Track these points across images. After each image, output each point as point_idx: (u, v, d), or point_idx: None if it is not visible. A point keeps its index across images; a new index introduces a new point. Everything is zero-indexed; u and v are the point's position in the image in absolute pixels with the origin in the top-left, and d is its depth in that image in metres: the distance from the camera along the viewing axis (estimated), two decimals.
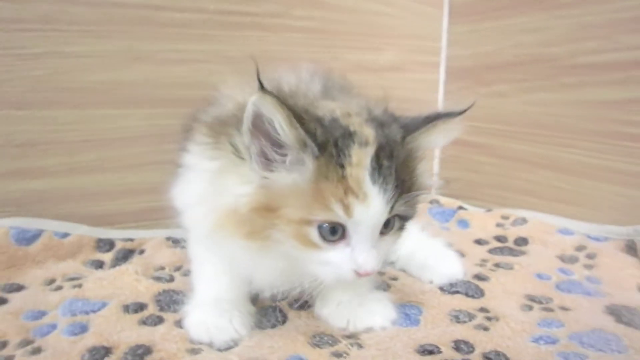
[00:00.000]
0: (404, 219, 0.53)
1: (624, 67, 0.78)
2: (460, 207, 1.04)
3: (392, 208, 0.48)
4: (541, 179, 0.93)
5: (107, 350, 0.53)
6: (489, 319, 0.60)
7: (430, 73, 1.18)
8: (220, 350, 0.54)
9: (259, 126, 0.46)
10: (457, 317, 0.61)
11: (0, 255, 0.74)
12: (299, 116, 0.45)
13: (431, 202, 1.08)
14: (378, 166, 0.47)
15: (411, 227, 0.60)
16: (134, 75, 0.90)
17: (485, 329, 0.58)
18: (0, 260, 0.73)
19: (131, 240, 0.87)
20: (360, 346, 0.55)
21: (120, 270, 0.74)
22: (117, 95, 0.89)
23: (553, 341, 0.54)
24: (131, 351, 0.53)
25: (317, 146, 0.46)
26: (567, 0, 0.86)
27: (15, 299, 0.66)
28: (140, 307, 0.64)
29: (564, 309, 0.62)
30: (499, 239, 0.88)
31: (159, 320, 0.61)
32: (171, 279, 0.73)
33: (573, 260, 0.77)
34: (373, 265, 0.49)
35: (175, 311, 0.63)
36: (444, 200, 1.08)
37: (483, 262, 0.79)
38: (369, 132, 0.49)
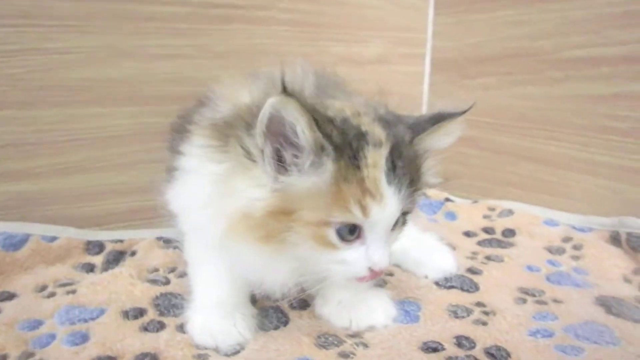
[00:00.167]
0: (406, 213, 0.54)
1: (611, 62, 0.79)
2: (447, 199, 1.06)
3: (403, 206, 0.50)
4: (526, 171, 0.96)
5: None
6: (486, 313, 0.62)
7: (415, 65, 1.19)
8: (227, 355, 0.54)
9: (276, 129, 0.45)
10: (455, 313, 0.63)
11: None
12: (316, 119, 0.45)
13: None
14: (392, 167, 0.48)
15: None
16: (118, 71, 0.87)
17: (484, 323, 0.60)
18: None
19: (121, 241, 0.85)
20: (365, 346, 0.56)
21: (114, 274, 0.72)
22: (102, 93, 0.86)
23: (549, 334, 0.56)
24: None
25: (334, 148, 0.46)
26: None
27: (7, 308, 0.64)
28: (139, 312, 0.63)
29: (556, 301, 0.64)
30: (487, 230, 0.91)
31: (161, 326, 0.60)
32: (167, 282, 0.72)
33: (560, 251, 0.80)
34: (387, 262, 0.50)
35: (175, 315, 0.63)
36: (431, 192, 1.09)
37: (474, 255, 0.81)
38: (379, 132, 0.49)
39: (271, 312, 0.64)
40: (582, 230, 0.83)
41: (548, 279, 0.71)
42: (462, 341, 0.56)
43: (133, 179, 0.91)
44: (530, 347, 0.54)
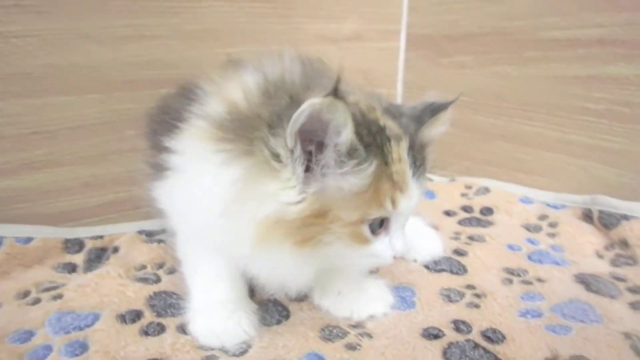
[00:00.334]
0: None
1: (587, 44, 0.81)
2: None
3: None
4: (502, 150, 0.99)
5: None
6: (477, 296, 0.65)
7: (390, 41, 1.17)
8: (235, 355, 0.55)
9: (310, 130, 0.44)
10: (449, 297, 0.65)
11: None
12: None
13: None
14: (413, 159, 0.50)
15: None
16: (83, 56, 0.80)
17: (477, 306, 0.63)
18: None
19: (101, 237, 0.82)
20: (369, 336, 0.57)
21: (100, 274, 0.70)
22: (65, 80, 0.80)
23: (539, 314, 0.60)
24: None
25: (365, 148, 0.46)
26: None
27: None
28: (136, 315, 0.61)
29: (540, 280, 0.68)
30: (465, 209, 0.94)
31: (161, 329, 0.59)
32: (158, 279, 0.70)
33: (537, 229, 0.84)
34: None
35: (173, 315, 0.62)
36: None
37: (457, 235, 0.84)
38: (394, 126, 0.50)
39: (271, 306, 0.64)
40: (555, 207, 0.88)
41: (530, 257, 0.75)
42: (459, 325, 0.59)
43: (105, 171, 0.87)
44: (523, 328, 0.57)
